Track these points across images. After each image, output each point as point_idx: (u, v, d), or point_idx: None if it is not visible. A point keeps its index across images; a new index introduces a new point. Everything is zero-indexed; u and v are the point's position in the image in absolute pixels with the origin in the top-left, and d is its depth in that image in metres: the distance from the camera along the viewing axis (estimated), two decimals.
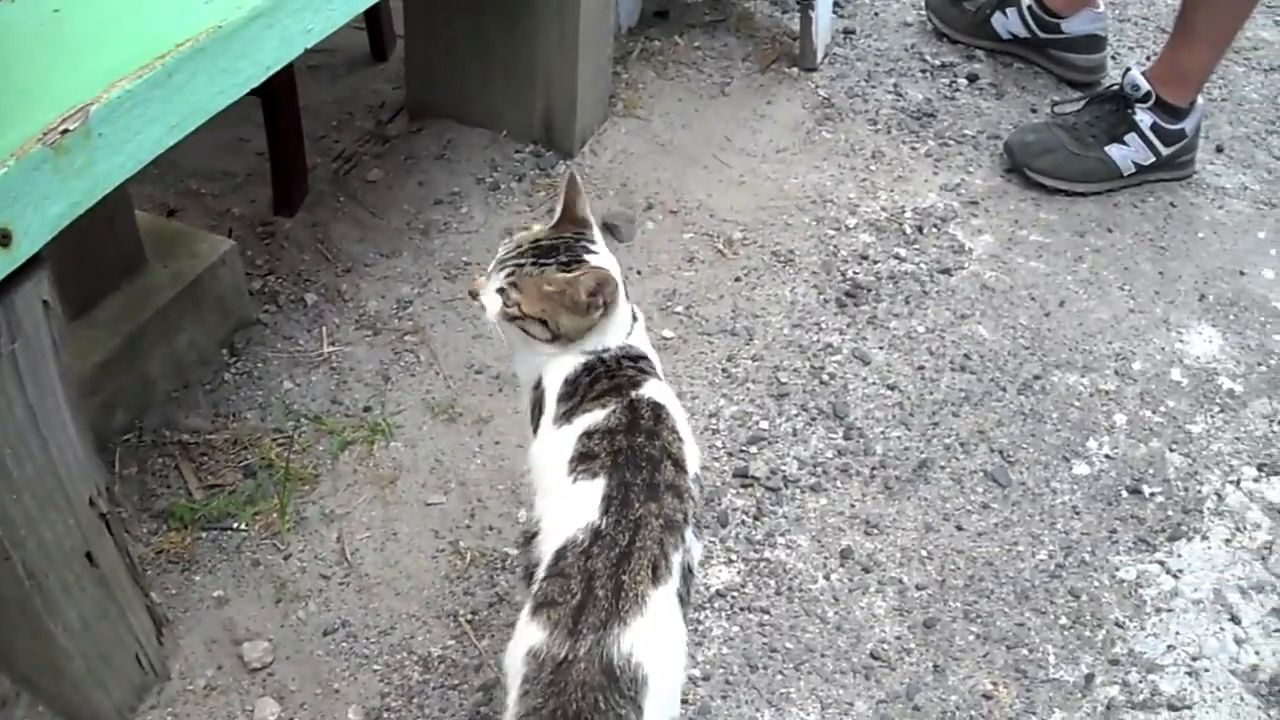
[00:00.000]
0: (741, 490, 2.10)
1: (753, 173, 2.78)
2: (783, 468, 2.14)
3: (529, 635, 1.34)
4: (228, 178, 2.65)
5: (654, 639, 1.33)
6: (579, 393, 1.50)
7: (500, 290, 1.52)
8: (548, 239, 1.55)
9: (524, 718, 1.30)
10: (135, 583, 1.70)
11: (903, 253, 2.60)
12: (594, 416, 1.47)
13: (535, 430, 1.56)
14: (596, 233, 1.59)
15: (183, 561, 1.94)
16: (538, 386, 1.55)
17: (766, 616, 1.91)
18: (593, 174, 2.70)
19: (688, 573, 1.43)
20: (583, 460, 1.43)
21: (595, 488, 1.39)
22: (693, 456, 1.50)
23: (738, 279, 2.51)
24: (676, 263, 2.53)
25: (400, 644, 1.85)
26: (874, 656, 1.88)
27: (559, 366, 1.53)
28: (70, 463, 1.50)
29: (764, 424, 2.21)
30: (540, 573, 1.40)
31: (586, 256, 1.52)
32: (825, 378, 2.31)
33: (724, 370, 2.31)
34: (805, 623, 1.91)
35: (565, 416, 1.49)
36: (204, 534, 1.97)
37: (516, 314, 1.51)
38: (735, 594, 1.94)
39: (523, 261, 1.52)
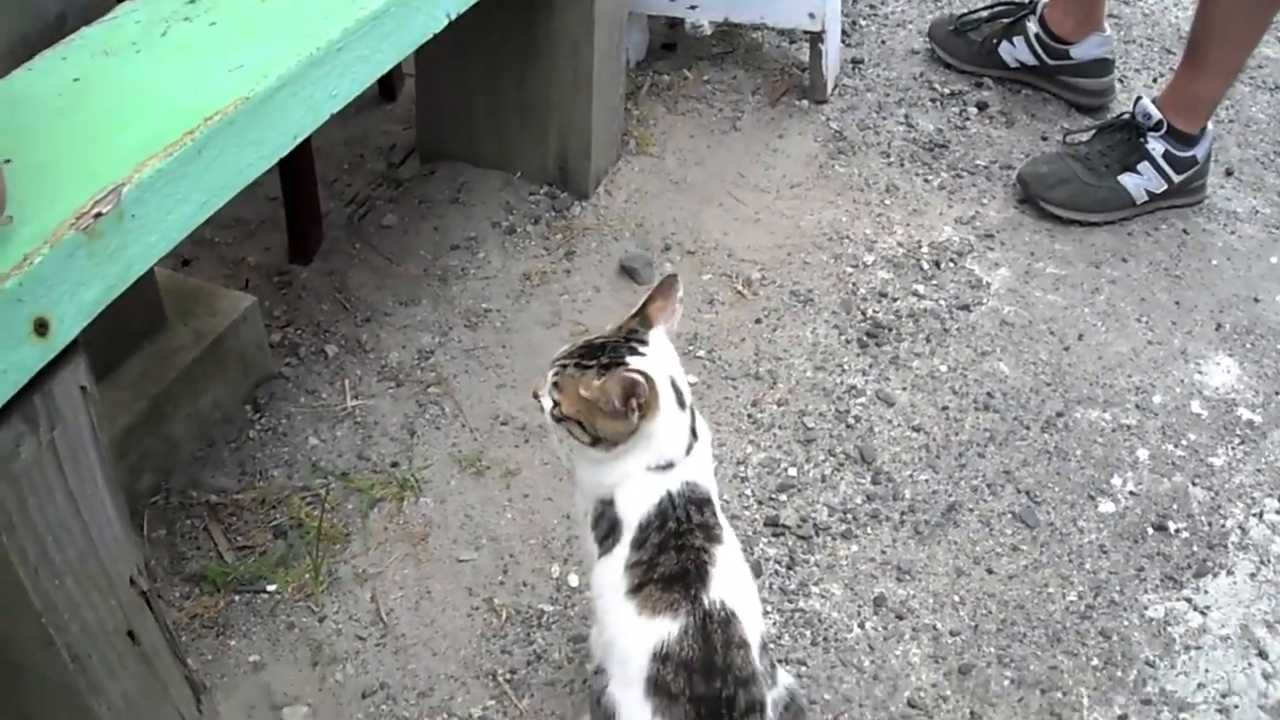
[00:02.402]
0: (773, 539, 2.10)
1: (768, 210, 2.78)
2: (813, 515, 2.14)
3: None
4: (241, 225, 2.65)
5: None
6: (649, 553, 1.51)
7: (549, 391, 1.53)
8: (600, 338, 1.55)
9: None
10: (175, 655, 1.68)
11: (921, 289, 2.61)
12: (665, 629, 1.47)
13: (600, 544, 1.56)
14: (658, 333, 1.57)
15: (217, 626, 1.93)
16: (609, 503, 1.55)
17: (804, 668, 1.92)
18: (608, 215, 2.71)
19: None
20: (660, 694, 1.45)
21: None
22: (756, 637, 1.52)
23: (758, 320, 2.51)
24: (697, 305, 2.54)
25: (440, 706, 1.85)
26: (911, 705, 1.88)
27: (631, 498, 1.53)
28: (110, 543, 1.50)
29: (792, 470, 2.22)
30: None
31: (630, 358, 1.50)
32: (851, 421, 2.31)
33: (749, 416, 2.31)
34: (842, 673, 1.92)
35: (636, 588, 1.50)
36: (237, 597, 1.97)
37: (560, 416, 1.51)
38: (772, 645, 1.94)
39: (567, 362, 1.53)
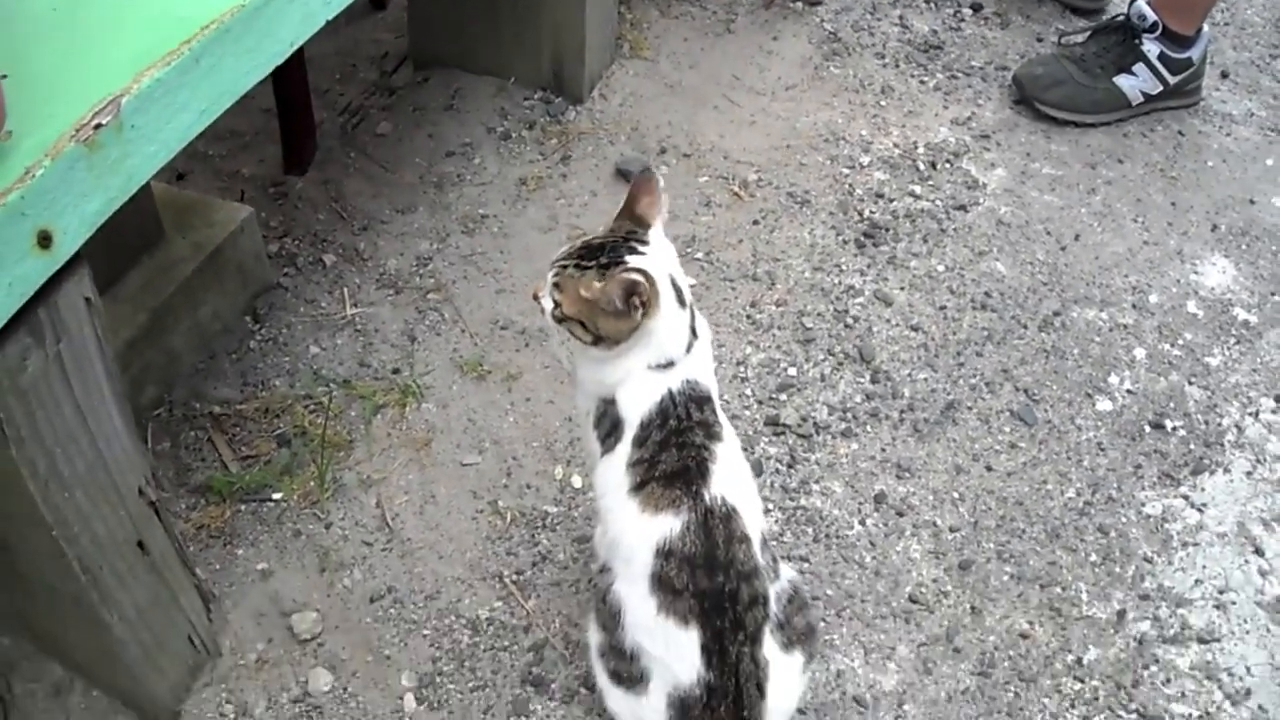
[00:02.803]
0: (774, 438, 2.11)
1: (763, 112, 2.76)
2: (813, 414, 2.16)
3: None
4: (235, 137, 2.62)
5: None
6: (650, 450, 1.52)
7: (550, 293, 1.53)
8: (598, 239, 1.54)
9: None
10: (184, 564, 1.70)
11: (918, 190, 2.60)
12: (666, 527, 1.49)
13: (602, 444, 1.57)
14: (655, 231, 1.56)
15: (224, 536, 1.94)
16: (611, 403, 1.55)
17: (806, 564, 1.94)
18: (603, 119, 2.68)
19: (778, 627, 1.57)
20: (665, 590, 1.49)
21: (690, 639, 1.49)
22: (758, 531, 1.55)
23: (756, 222, 2.51)
24: (694, 207, 2.52)
25: (447, 608, 1.87)
26: (913, 600, 1.91)
27: (633, 397, 1.53)
28: (118, 455, 1.50)
29: (792, 370, 2.23)
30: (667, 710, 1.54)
31: (629, 258, 1.49)
32: (849, 321, 2.32)
33: (748, 316, 2.31)
34: (844, 568, 1.95)
35: (638, 485, 1.51)
36: (243, 506, 1.98)
37: (561, 317, 1.51)
38: (774, 543, 1.96)
39: (567, 263, 1.52)
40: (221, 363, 2.17)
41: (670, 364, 1.52)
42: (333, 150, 2.59)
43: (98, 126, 1.28)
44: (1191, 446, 2.16)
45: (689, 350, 1.54)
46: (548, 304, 1.54)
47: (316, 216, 2.46)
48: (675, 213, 2.50)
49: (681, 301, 1.52)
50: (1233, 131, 2.82)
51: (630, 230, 1.54)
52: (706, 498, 1.49)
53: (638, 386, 1.53)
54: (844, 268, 2.42)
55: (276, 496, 1.99)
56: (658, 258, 1.52)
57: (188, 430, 2.07)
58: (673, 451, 1.51)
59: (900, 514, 2.03)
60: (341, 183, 2.53)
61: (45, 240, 1.26)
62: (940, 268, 2.43)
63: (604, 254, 1.50)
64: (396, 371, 2.18)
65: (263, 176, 2.53)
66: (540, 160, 2.59)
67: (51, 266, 1.28)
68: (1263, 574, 1.98)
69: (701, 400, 1.54)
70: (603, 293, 1.46)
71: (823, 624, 1.85)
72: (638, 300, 1.45)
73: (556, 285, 1.52)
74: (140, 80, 1.34)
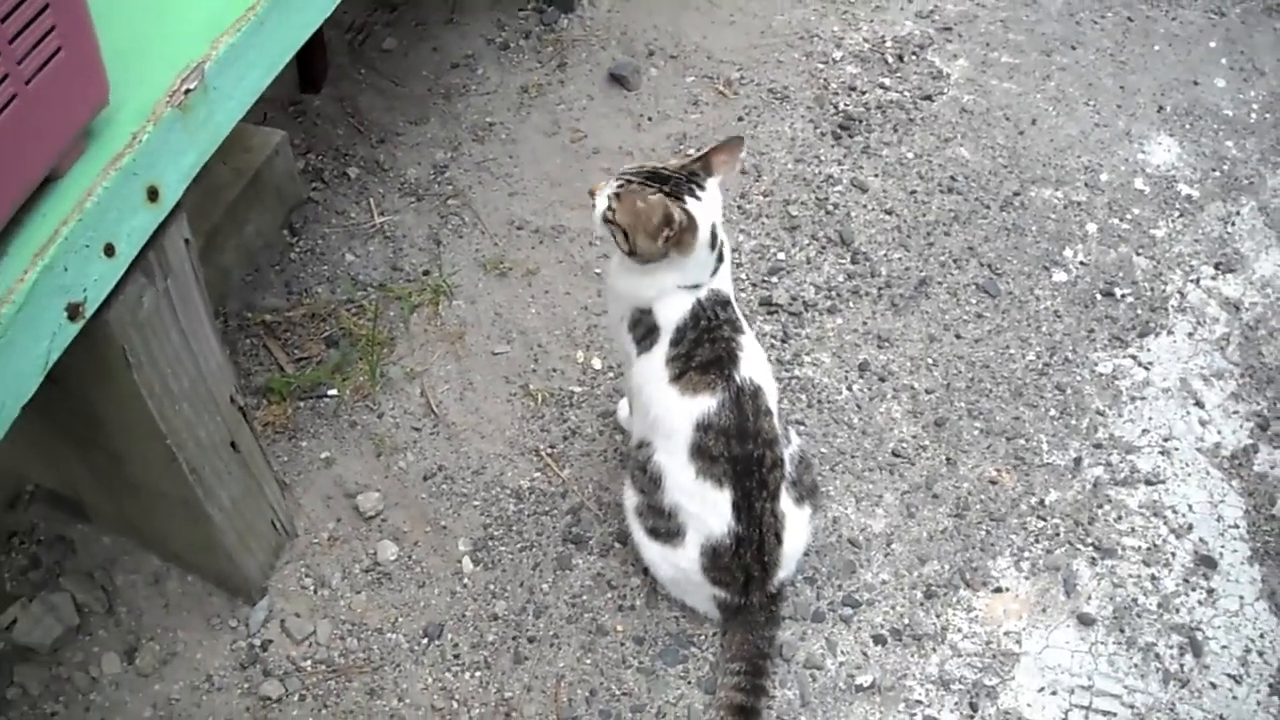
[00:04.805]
0: (769, 317, 2.34)
1: (741, 11, 2.93)
2: (802, 294, 2.38)
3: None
4: None
5: None
6: (686, 348, 1.74)
7: (609, 196, 1.72)
8: (667, 170, 1.72)
9: None
10: (265, 459, 1.91)
11: (887, 82, 2.79)
12: (705, 404, 1.72)
13: (638, 344, 1.79)
14: (714, 181, 1.74)
15: (288, 430, 2.16)
16: (647, 311, 1.76)
17: (803, 426, 2.18)
18: (594, 25, 2.84)
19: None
20: (703, 457, 1.74)
21: (724, 498, 1.75)
22: (775, 406, 1.80)
23: (740, 118, 2.70)
24: (683, 106, 2.71)
25: (493, 480, 2.11)
26: (895, 454, 2.16)
27: (668, 308, 1.74)
28: (214, 369, 1.71)
29: (781, 255, 2.45)
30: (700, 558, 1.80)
31: (687, 197, 1.68)
32: (830, 207, 2.53)
33: (739, 207, 2.52)
34: (835, 429, 2.19)
35: (677, 376, 1.74)
36: (302, 403, 2.19)
37: (610, 219, 1.71)
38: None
39: (634, 179, 1.71)
40: (267, 275, 2.37)
41: (697, 286, 1.75)
42: (344, 67, 2.75)
43: (187, 91, 1.47)
44: (1139, 311, 2.39)
45: (714, 274, 1.76)
46: (601, 203, 1.73)
47: (336, 132, 2.63)
48: (666, 112, 2.69)
49: (713, 244, 1.72)
50: (1178, 15, 3.00)
51: (694, 173, 1.73)
52: (737, 379, 1.73)
53: (671, 300, 1.75)
54: (823, 158, 2.63)
55: (331, 393, 2.20)
56: (708, 205, 1.72)
57: (243, 338, 2.27)
58: (705, 346, 1.74)
59: (882, 379, 2.27)
60: (356, 98, 2.69)
61: (153, 194, 1.45)
62: (910, 155, 2.64)
63: (667, 184, 1.70)
64: (427, 273, 2.39)
65: (281, 97, 2.68)
66: (539, 68, 2.76)
67: (159, 216, 1.48)
68: (1203, 424, 2.23)
69: (724, 303, 1.77)
70: (650, 216, 1.65)
71: (818, 478, 2.10)
72: (675, 236, 1.65)
73: (617, 194, 1.71)
74: (217, 47, 1.52)
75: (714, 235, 1.72)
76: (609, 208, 1.71)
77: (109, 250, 1.39)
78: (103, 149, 1.40)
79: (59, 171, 1.36)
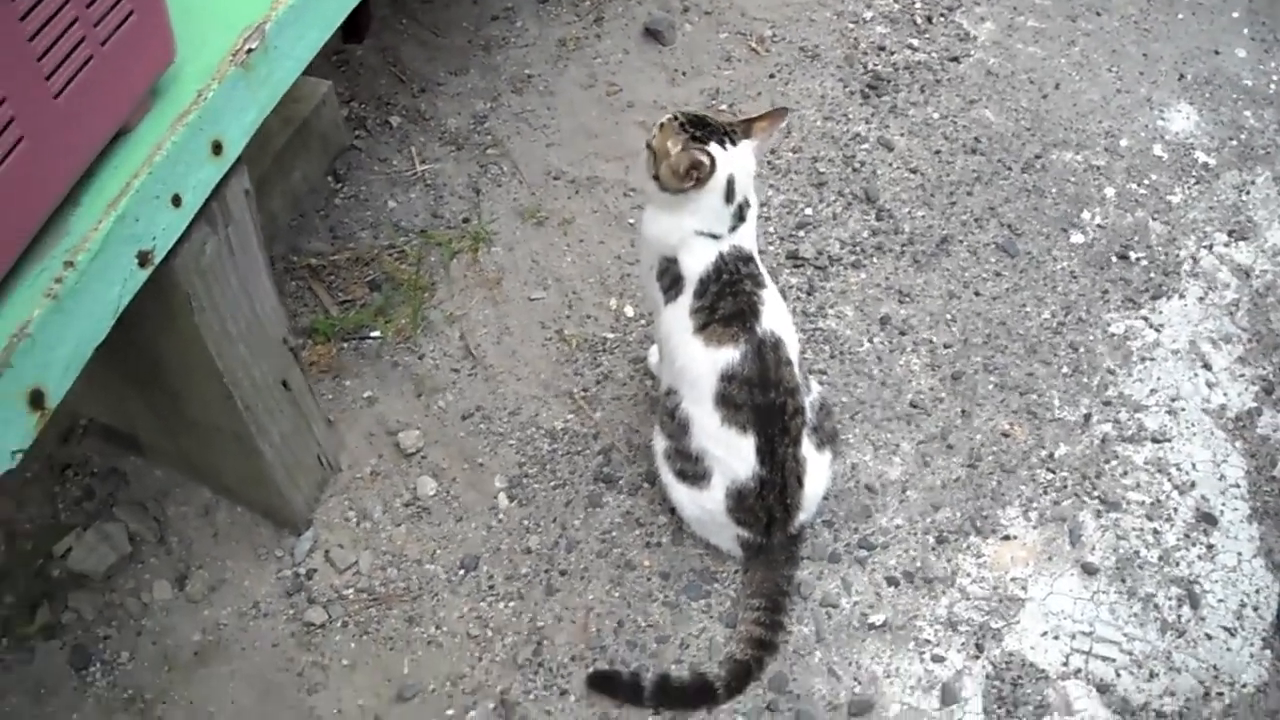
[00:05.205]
0: (795, 270, 2.38)
1: None
2: (827, 248, 2.41)
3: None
4: None
5: None
6: (709, 300, 1.80)
7: (657, 125, 1.81)
8: (712, 120, 1.81)
9: None
10: (313, 397, 1.97)
11: (915, 43, 2.80)
12: (729, 356, 1.79)
13: (665, 294, 1.85)
14: (749, 142, 1.81)
15: (332, 370, 2.21)
16: (673, 261, 1.83)
17: (825, 376, 2.22)
18: None
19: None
20: (727, 405, 1.80)
21: (748, 444, 1.81)
22: (796, 356, 1.86)
23: (771, 75, 2.71)
24: (716, 62, 2.73)
25: (528, 421, 2.16)
26: (913, 405, 2.20)
27: (692, 258, 1.81)
28: (269, 312, 1.76)
29: (808, 210, 2.48)
30: (725, 500, 1.86)
31: (713, 144, 1.76)
32: (856, 165, 2.55)
33: (769, 163, 2.54)
34: (856, 380, 2.23)
35: (701, 327, 1.80)
36: (345, 344, 2.24)
37: (649, 144, 1.80)
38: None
39: (679, 118, 1.80)
40: (312, 220, 2.41)
41: (717, 237, 1.81)
42: (386, 18, 2.76)
43: (249, 51, 1.51)
44: (1152, 275, 2.42)
45: (733, 231, 1.82)
46: (655, 130, 1.82)
47: (378, 81, 2.66)
48: (700, 67, 2.71)
49: (729, 198, 1.79)
50: None
51: (732, 129, 1.81)
52: (759, 332, 1.79)
53: (695, 249, 1.81)
54: (851, 116, 2.65)
55: (374, 334, 2.25)
56: (733, 158, 1.78)
57: (289, 281, 2.31)
58: (728, 299, 1.80)
59: (902, 333, 2.30)
60: (398, 49, 2.71)
61: (217, 148, 1.50)
62: (935, 115, 2.66)
63: (701, 130, 1.78)
64: (466, 220, 2.43)
65: (325, 47, 2.59)
66: (576, 21, 2.77)
67: (223, 169, 1.53)
68: (1209, 385, 2.26)
69: (746, 259, 1.83)
70: (673, 148, 1.75)
71: (839, 426, 2.14)
72: (686, 172, 1.74)
73: (662, 126, 1.80)
74: (278, 7, 1.56)
75: (731, 188, 1.78)
76: (652, 134, 1.81)
77: (176, 201, 1.44)
78: (170, 105, 1.45)
79: (129, 126, 1.41)
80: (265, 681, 1.87)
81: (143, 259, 1.40)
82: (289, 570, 1.98)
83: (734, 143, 1.79)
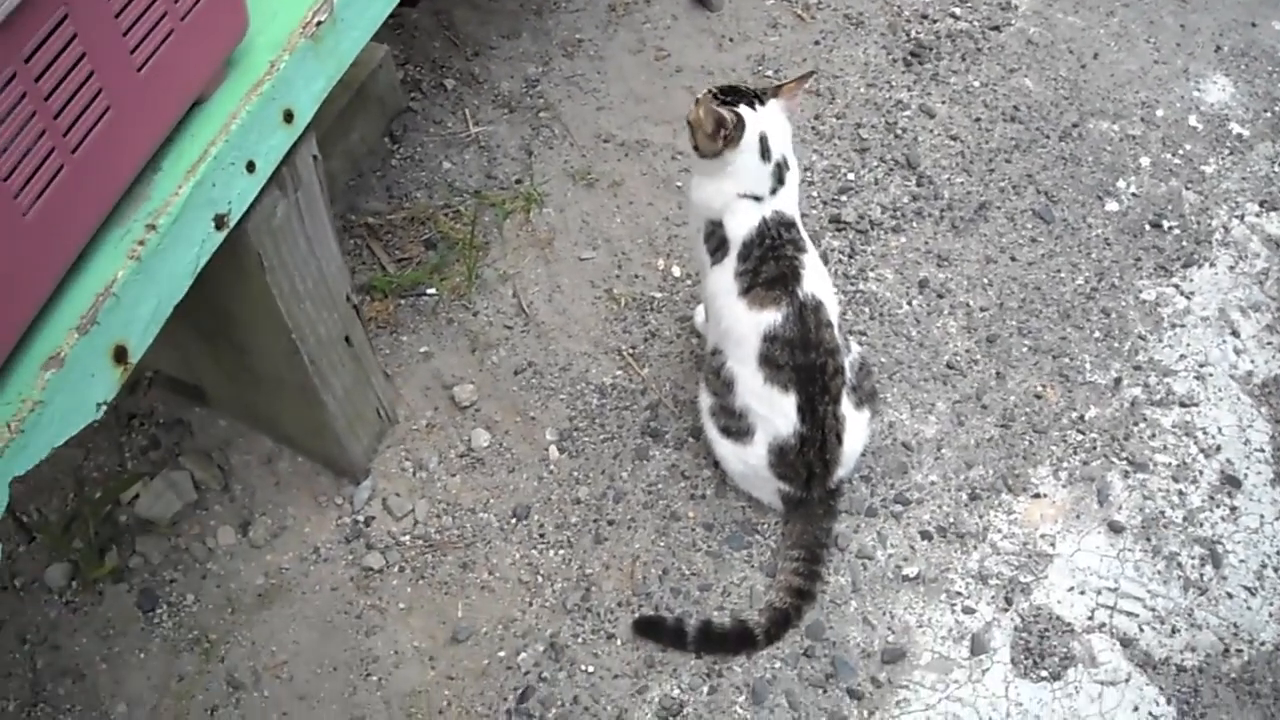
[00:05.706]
0: (837, 233, 2.38)
1: None
2: (868, 213, 2.41)
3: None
4: None
5: None
6: (752, 264, 1.82)
7: (696, 100, 1.83)
8: (743, 88, 1.84)
9: None
10: (373, 352, 2.00)
11: (958, 11, 2.77)
12: (771, 318, 1.81)
13: (712, 256, 1.87)
14: (776, 103, 1.84)
15: (390, 326, 2.23)
16: (719, 224, 1.85)
17: (864, 337, 2.23)
18: None
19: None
20: (770, 365, 1.82)
21: (789, 402, 1.84)
22: (836, 319, 1.87)
23: (816, 42, 2.70)
24: (762, 29, 2.72)
25: (578, 377, 2.18)
26: (949, 366, 2.21)
27: (736, 221, 1.84)
28: (334, 271, 1.79)
29: (850, 175, 2.48)
30: (767, 455, 1.88)
31: (741, 106, 1.78)
32: (898, 131, 2.55)
33: (813, 129, 2.54)
34: (894, 341, 2.24)
35: (745, 290, 1.83)
36: (402, 301, 2.26)
37: (689, 117, 1.83)
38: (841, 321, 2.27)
39: (714, 90, 1.82)
40: (369, 180, 2.43)
41: (758, 199, 1.83)
42: None
43: (319, 23, 1.53)
44: (1184, 243, 2.40)
45: (774, 193, 1.84)
46: (692, 105, 1.84)
47: (432, 44, 2.66)
48: (746, 34, 2.70)
49: (765, 156, 1.80)
50: None
51: (762, 93, 1.83)
52: (800, 295, 1.80)
53: (739, 213, 1.83)
54: (893, 84, 2.64)
55: (430, 292, 2.27)
56: (762, 118, 1.81)
57: (348, 239, 2.33)
58: (771, 263, 1.82)
59: (940, 296, 2.31)
60: (451, 12, 2.71)
61: (289, 117, 1.53)
62: (976, 83, 2.65)
63: (731, 96, 1.81)
64: (519, 181, 2.44)
65: None
66: None
67: (293, 136, 1.56)
68: (1237, 352, 2.25)
69: (789, 224, 1.85)
70: (701, 118, 1.79)
71: (878, 385, 2.15)
72: (720, 134, 1.77)
73: (698, 101, 1.82)
74: None
75: (765, 145, 1.80)
76: (693, 108, 1.83)
77: (250, 167, 1.47)
78: (244, 76, 1.47)
79: (205, 96, 1.44)
80: (325, 624, 1.92)
81: (219, 222, 1.43)
82: (348, 518, 2.02)
83: (763, 103, 1.82)
